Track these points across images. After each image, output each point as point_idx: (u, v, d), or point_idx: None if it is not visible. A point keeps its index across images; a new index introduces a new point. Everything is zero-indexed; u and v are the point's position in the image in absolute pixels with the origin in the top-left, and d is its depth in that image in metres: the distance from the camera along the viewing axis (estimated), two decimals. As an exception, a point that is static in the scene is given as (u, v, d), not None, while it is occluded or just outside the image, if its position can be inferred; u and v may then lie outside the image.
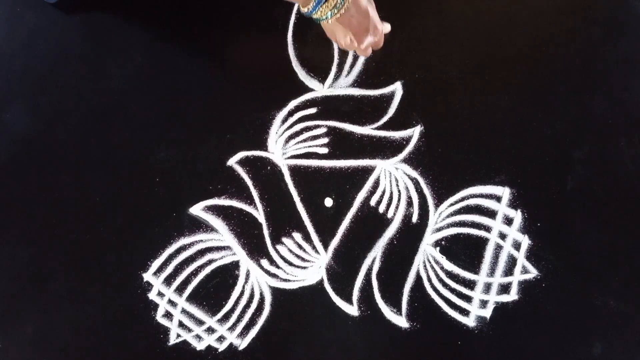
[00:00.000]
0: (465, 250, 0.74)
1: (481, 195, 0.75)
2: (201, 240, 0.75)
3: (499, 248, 0.74)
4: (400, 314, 0.73)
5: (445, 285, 0.73)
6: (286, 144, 0.77)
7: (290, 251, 0.75)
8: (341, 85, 0.78)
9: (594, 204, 0.74)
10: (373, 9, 0.70)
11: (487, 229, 0.74)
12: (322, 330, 0.73)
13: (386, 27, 0.74)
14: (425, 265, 0.74)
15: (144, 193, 0.76)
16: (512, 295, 0.73)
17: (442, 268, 0.74)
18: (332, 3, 0.66)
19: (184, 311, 0.74)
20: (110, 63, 0.79)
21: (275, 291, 0.74)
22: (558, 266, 0.73)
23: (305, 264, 0.75)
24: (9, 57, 0.80)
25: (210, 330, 0.74)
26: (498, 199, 0.75)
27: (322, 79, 0.78)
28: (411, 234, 0.75)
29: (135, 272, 0.75)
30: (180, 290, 0.74)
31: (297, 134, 0.77)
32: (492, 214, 0.75)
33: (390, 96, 0.77)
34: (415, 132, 0.76)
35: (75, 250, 0.76)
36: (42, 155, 0.78)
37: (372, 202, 0.75)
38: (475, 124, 0.77)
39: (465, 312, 0.73)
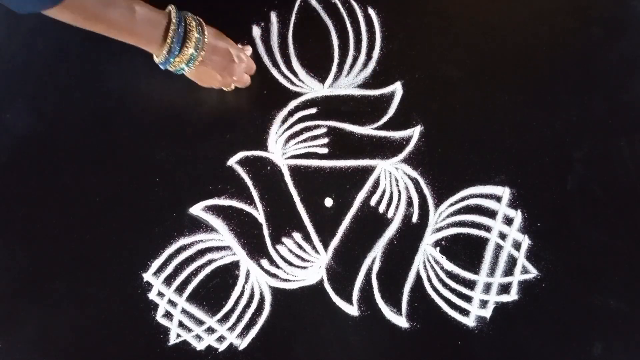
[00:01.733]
0: (465, 250, 0.74)
1: (481, 195, 0.75)
2: (201, 240, 0.75)
3: (499, 248, 0.74)
4: (400, 314, 0.73)
5: (445, 285, 0.73)
6: (286, 144, 0.77)
7: (290, 251, 0.75)
8: (341, 85, 0.78)
9: (594, 204, 0.74)
10: (225, 40, 0.71)
11: (487, 229, 0.74)
12: (322, 330, 0.73)
13: (247, 50, 0.77)
14: (425, 265, 0.74)
15: (144, 193, 0.76)
16: (512, 295, 0.73)
17: (442, 268, 0.74)
18: (186, 55, 0.66)
19: (184, 311, 0.74)
20: (110, 63, 0.79)
21: (275, 291, 0.74)
22: (558, 266, 0.73)
23: (305, 264, 0.75)
24: (9, 57, 0.80)
25: (210, 330, 0.74)
26: (498, 199, 0.75)
27: (322, 79, 0.78)
28: (411, 234, 0.75)
29: (135, 272, 0.75)
30: (180, 290, 0.74)
31: (297, 134, 0.77)
32: (492, 214, 0.75)
33: (390, 96, 0.78)
34: (415, 132, 0.76)
35: (75, 250, 0.76)
36: (42, 155, 0.78)
37: (372, 202, 0.75)
38: (475, 124, 0.77)
39: (465, 312, 0.73)
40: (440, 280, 0.73)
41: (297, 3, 0.80)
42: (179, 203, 0.76)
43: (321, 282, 0.74)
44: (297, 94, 0.78)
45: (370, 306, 0.73)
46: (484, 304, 0.73)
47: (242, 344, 0.73)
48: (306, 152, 0.77)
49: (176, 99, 0.78)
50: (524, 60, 0.79)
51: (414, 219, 0.75)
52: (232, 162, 0.77)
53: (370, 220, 0.75)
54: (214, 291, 0.74)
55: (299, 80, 0.78)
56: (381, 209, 0.75)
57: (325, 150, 0.77)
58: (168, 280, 0.74)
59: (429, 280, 0.73)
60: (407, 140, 0.76)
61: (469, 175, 0.75)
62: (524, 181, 0.75)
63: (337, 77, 0.78)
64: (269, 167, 0.76)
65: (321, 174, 0.76)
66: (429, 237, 0.74)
